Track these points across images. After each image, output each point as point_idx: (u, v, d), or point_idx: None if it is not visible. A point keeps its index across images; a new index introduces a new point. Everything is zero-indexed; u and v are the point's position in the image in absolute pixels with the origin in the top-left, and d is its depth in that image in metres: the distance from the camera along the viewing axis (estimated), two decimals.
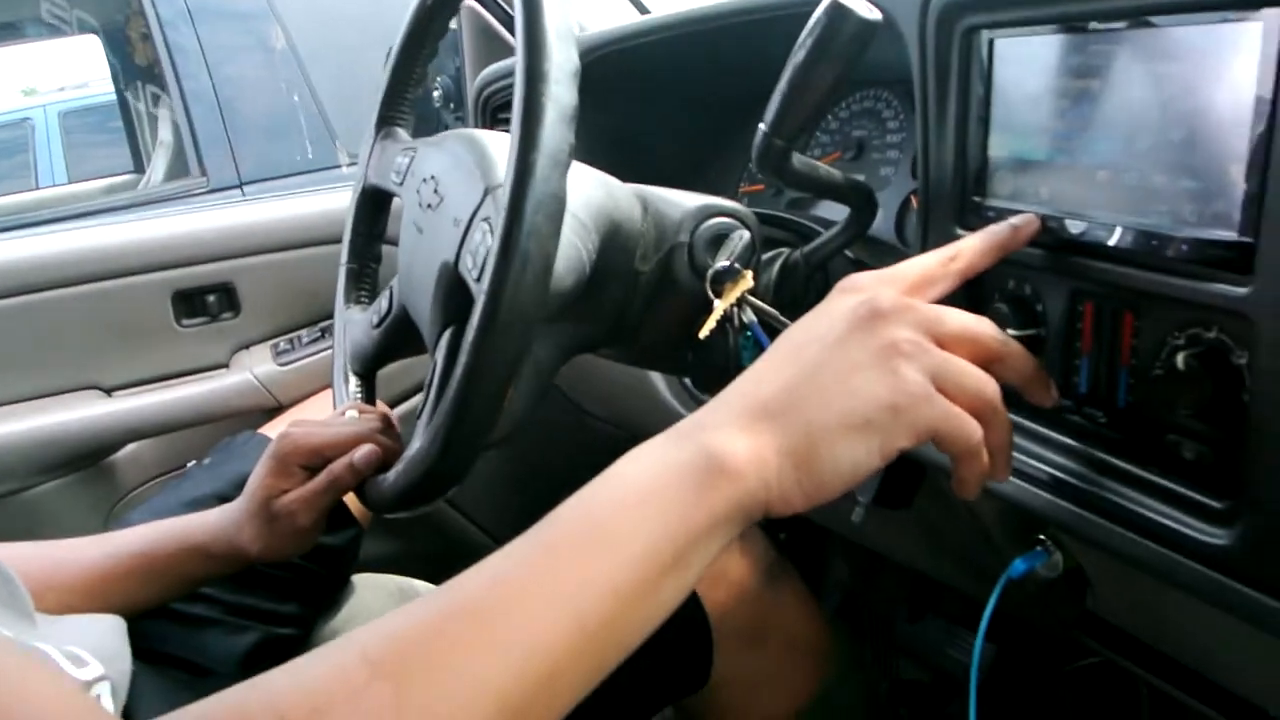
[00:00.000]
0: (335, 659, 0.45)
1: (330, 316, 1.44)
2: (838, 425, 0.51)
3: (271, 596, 1.01)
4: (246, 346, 1.43)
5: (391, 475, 0.77)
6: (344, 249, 1.04)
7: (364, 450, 0.82)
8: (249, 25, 2.71)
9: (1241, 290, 0.51)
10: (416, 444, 0.75)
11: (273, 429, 1.23)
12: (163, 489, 1.20)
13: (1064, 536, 0.71)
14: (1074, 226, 0.60)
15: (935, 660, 1.34)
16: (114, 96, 3.70)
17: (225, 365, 1.42)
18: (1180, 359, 0.55)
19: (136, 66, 3.38)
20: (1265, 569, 0.51)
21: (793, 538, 1.13)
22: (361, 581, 1.14)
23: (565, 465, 1.07)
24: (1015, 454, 0.64)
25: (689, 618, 0.97)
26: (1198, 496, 0.55)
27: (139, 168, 3.53)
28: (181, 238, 1.39)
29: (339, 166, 2.65)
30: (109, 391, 1.38)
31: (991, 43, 0.66)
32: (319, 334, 1.43)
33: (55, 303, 1.35)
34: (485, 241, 0.71)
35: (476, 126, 1.35)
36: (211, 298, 1.39)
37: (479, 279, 0.70)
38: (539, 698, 0.45)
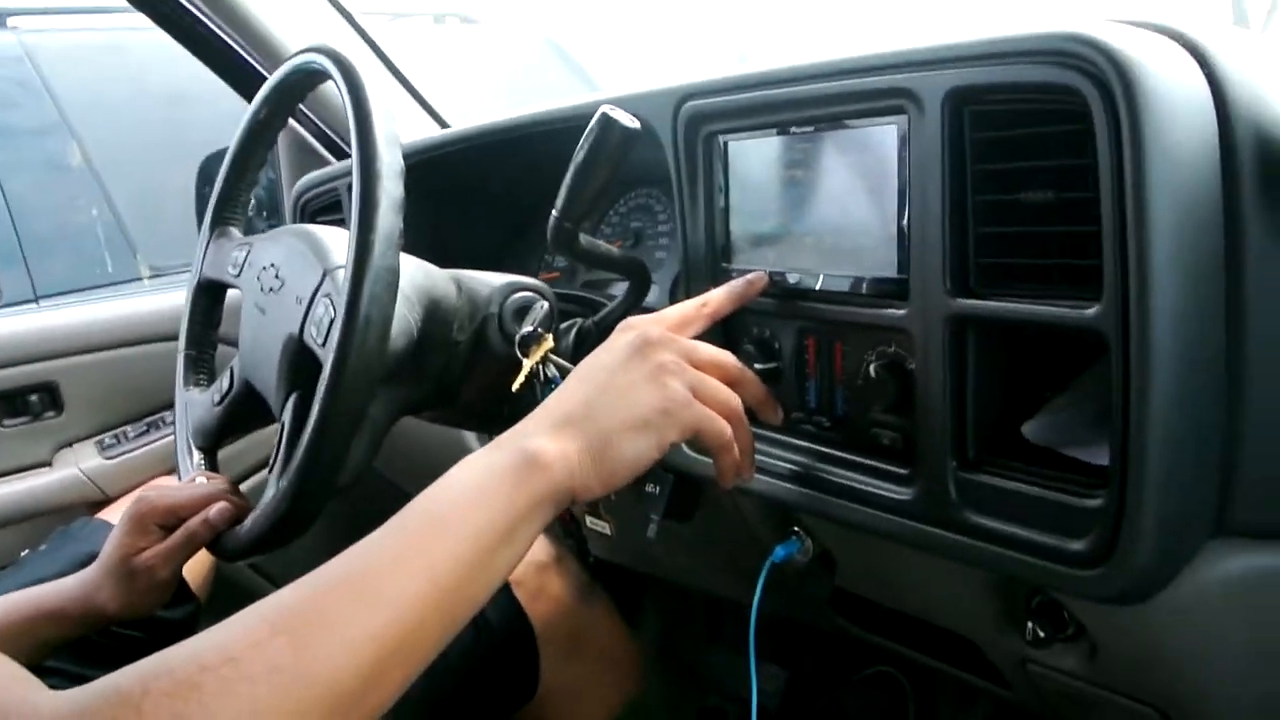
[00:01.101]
0: (240, 622, 0.57)
1: (155, 411, 1.53)
2: (623, 427, 0.67)
3: (116, 670, 1.07)
4: (70, 444, 1.47)
5: (248, 522, 0.87)
6: (181, 337, 1.13)
7: (218, 507, 0.92)
8: (44, 141, 2.71)
9: (902, 312, 0.71)
10: (269, 493, 0.86)
11: (111, 515, 1.28)
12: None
13: (812, 522, 0.89)
14: (792, 278, 0.80)
15: (733, 688, 1.50)
16: None
17: (48, 463, 1.46)
18: (873, 370, 0.75)
19: None
20: (934, 510, 0.70)
21: (603, 571, 1.28)
22: None
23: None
24: (766, 457, 0.83)
25: (517, 630, 1.10)
26: (892, 468, 0.75)
27: None
28: (2, 339, 1.43)
29: (140, 279, 2.67)
30: None
31: (726, 144, 0.86)
32: (145, 428, 1.49)
33: None
34: (328, 313, 0.85)
35: None
36: (34, 397, 1.44)
37: (324, 344, 0.83)
38: (407, 643, 0.58)
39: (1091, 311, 0.58)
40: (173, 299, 1.55)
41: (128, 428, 1.49)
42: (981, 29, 0.64)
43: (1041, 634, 0.73)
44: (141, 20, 1.41)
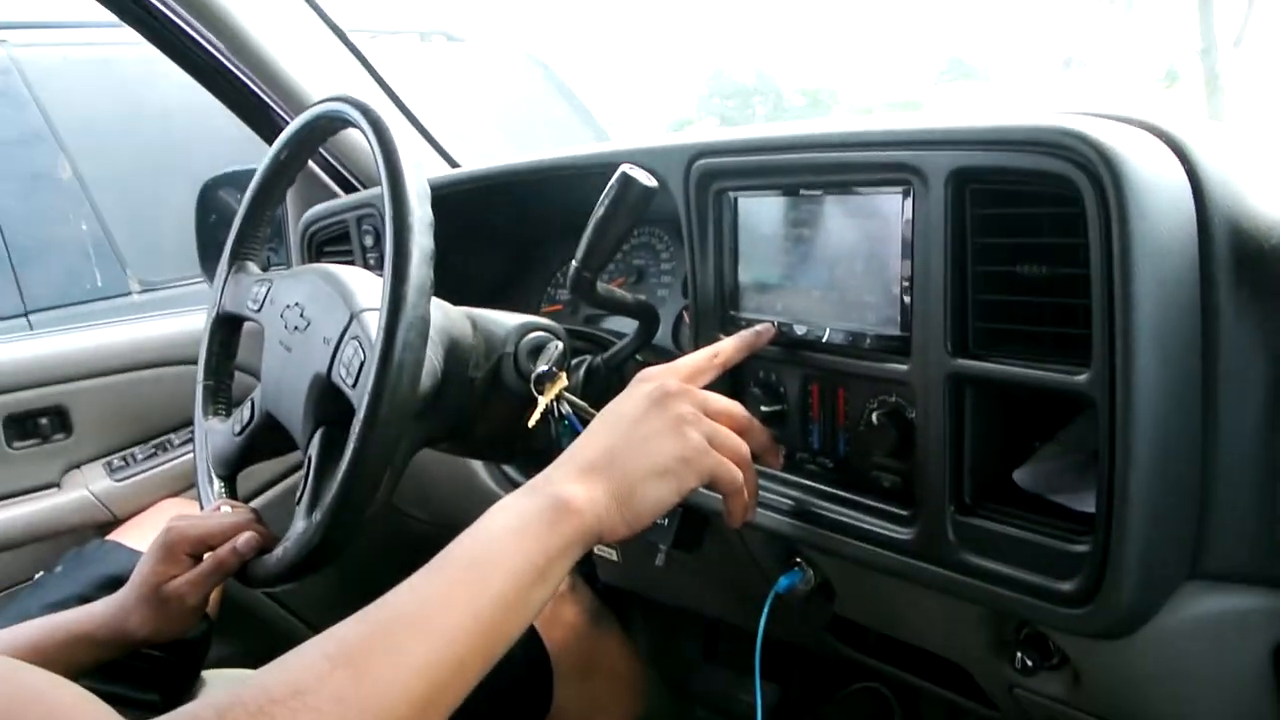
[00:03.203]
0: (300, 657, 0.62)
1: (162, 433, 1.56)
2: (646, 474, 0.73)
3: (136, 686, 1.11)
4: (78, 465, 1.50)
5: (279, 552, 0.92)
6: (200, 368, 1.17)
7: (246, 536, 0.96)
8: (32, 154, 2.73)
9: (904, 367, 0.77)
10: (300, 523, 0.91)
11: (123, 536, 1.32)
12: (15, 598, 1.27)
13: (814, 555, 0.95)
14: (799, 329, 0.86)
15: (726, 705, 1.56)
16: None
17: (57, 484, 1.49)
18: (875, 417, 0.81)
19: None
20: (933, 550, 0.76)
21: (610, 595, 1.34)
22: (211, 675, 1.25)
23: (382, 562, 1.23)
24: (770, 494, 0.88)
25: (534, 655, 1.16)
26: (893, 509, 0.81)
27: None
28: (13, 364, 1.47)
29: (129, 294, 2.69)
30: None
31: (736, 200, 0.92)
32: (153, 450, 1.53)
33: None
34: (358, 355, 0.89)
35: (301, 259, 1.51)
36: (44, 420, 1.47)
37: (354, 386, 0.88)
38: (453, 676, 0.64)
39: (1082, 378, 0.65)
40: (178, 324, 1.59)
41: (136, 449, 1.53)
42: (984, 114, 0.70)
43: (1029, 662, 0.80)
44: (131, 35, 1.42)
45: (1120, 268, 0.61)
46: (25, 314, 2.57)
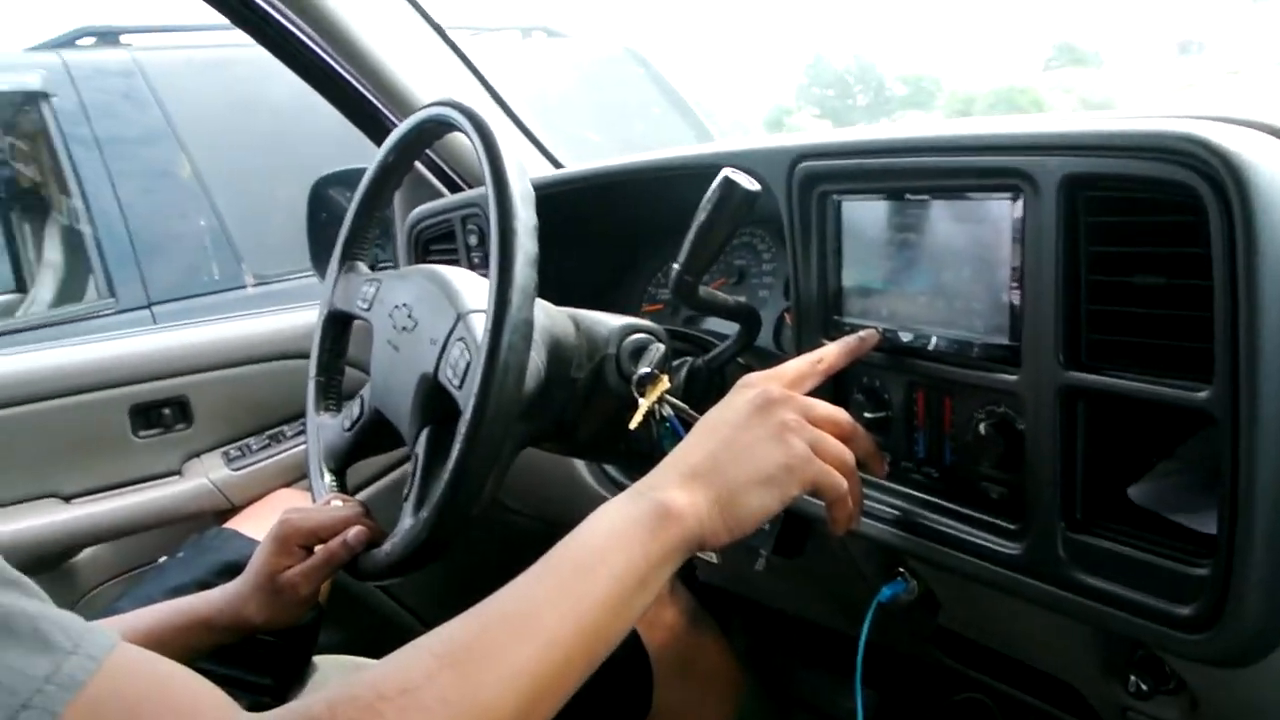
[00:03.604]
0: (409, 656, 0.63)
1: (276, 425, 1.62)
2: (749, 480, 0.73)
3: (250, 670, 1.15)
4: (198, 454, 1.57)
5: (387, 547, 0.94)
6: (312, 364, 1.21)
7: (355, 530, 0.99)
8: (154, 152, 2.85)
9: (1013, 377, 0.75)
10: (408, 520, 0.93)
11: (240, 524, 1.37)
12: (140, 580, 1.33)
13: (917, 565, 0.93)
14: (905, 336, 0.85)
15: (824, 710, 1.55)
16: None
17: (178, 472, 1.55)
18: (982, 428, 0.79)
19: (20, 188, 3.39)
20: (1042, 567, 0.74)
21: (708, 596, 1.35)
22: (321, 661, 1.29)
23: (487, 555, 1.25)
24: (875, 503, 0.87)
25: (634, 656, 1.17)
26: (1000, 522, 0.79)
27: (20, 287, 3.48)
28: (139, 356, 1.54)
29: (244, 287, 2.80)
30: (68, 499, 1.50)
31: (839, 204, 0.91)
32: (267, 441, 1.58)
33: (14, 419, 1.47)
34: (464, 357, 0.91)
35: (408, 258, 1.55)
36: (167, 410, 1.54)
37: (460, 386, 0.90)
38: (556, 679, 0.65)
39: (1204, 394, 0.62)
40: (292, 319, 1.65)
41: (251, 440, 1.59)
42: (1099, 119, 0.68)
43: (1144, 686, 0.77)
44: (245, 37, 1.47)
45: (1245, 281, 0.59)
46: (149, 305, 2.69)
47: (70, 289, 3.10)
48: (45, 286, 3.25)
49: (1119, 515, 0.72)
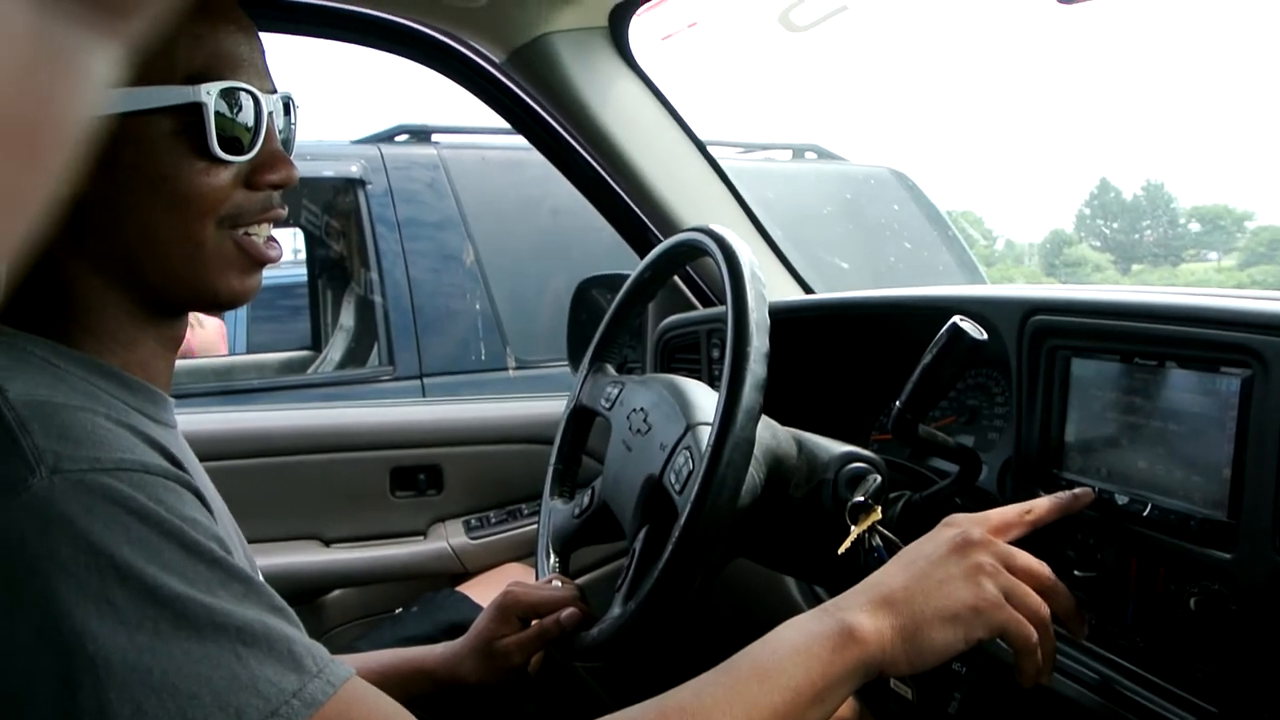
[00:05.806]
0: None
1: (514, 502, 1.75)
2: (936, 616, 0.75)
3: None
4: (443, 520, 1.72)
5: (595, 631, 1.01)
6: (554, 452, 1.31)
7: (569, 611, 1.07)
8: (446, 237, 3.14)
9: (1228, 556, 0.74)
10: (616, 609, 1.00)
11: (470, 590, 1.49)
12: (378, 626, 1.47)
13: None
14: (1121, 499, 0.85)
15: None
16: (290, 279, 4.11)
17: (423, 533, 1.71)
18: (1193, 603, 0.78)
19: (330, 260, 3.76)
20: None
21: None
22: None
23: (686, 647, 1.30)
24: (1074, 663, 0.86)
25: None
26: (1202, 704, 0.77)
27: (316, 346, 3.86)
28: (406, 424, 1.73)
29: (506, 369, 3.02)
30: (328, 543, 1.68)
31: (1069, 360, 0.92)
32: (505, 516, 1.72)
33: (295, 466, 1.67)
34: (688, 465, 0.98)
35: (655, 363, 1.65)
36: (422, 476, 1.70)
37: (681, 492, 0.96)
38: None
39: None
40: (541, 407, 1.79)
41: (491, 513, 1.72)
42: None
43: None
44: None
45: None
46: (420, 376, 2.95)
47: (356, 352, 3.42)
48: (336, 348, 3.61)
49: None
